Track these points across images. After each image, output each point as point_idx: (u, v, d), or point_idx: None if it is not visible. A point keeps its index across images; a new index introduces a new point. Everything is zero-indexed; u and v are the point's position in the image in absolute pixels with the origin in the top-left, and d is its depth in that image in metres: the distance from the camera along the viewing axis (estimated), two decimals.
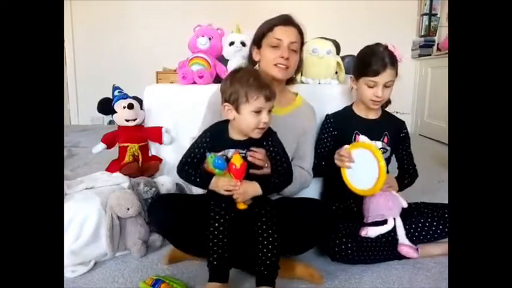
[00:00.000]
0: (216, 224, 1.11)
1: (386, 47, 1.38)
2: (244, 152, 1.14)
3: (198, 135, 1.24)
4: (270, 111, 1.12)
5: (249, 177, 1.13)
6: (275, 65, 1.32)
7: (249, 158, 1.13)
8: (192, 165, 1.18)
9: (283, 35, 1.31)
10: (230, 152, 1.15)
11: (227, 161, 1.13)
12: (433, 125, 3.92)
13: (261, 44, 1.35)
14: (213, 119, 1.28)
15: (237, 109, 1.11)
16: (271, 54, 1.32)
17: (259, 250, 1.10)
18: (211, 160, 1.10)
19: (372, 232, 1.32)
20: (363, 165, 1.29)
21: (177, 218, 1.22)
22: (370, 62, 1.36)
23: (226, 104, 1.13)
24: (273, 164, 1.17)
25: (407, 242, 1.34)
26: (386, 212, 1.33)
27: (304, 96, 1.49)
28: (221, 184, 1.11)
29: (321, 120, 1.53)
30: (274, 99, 1.12)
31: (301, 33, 1.36)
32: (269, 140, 1.16)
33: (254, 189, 1.13)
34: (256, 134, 1.13)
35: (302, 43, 1.39)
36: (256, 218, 1.13)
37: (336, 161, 1.35)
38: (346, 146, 1.35)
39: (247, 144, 1.15)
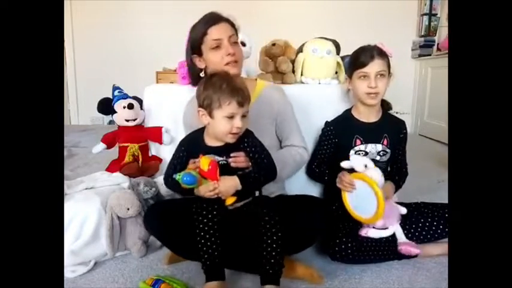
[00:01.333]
0: (202, 224, 1.13)
1: (375, 45, 1.42)
2: (223, 158, 1.16)
3: None
4: (244, 116, 1.12)
5: (229, 172, 1.15)
6: (225, 64, 1.29)
7: (233, 164, 1.15)
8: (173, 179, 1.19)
9: (219, 33, 1.29)
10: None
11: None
12: (433, 125, 3.92)
13: (201, 50, 1.33)
14: (187, 132, 1.31)
15: (210, 114, 1.12)
16: (216, 56, 1.30)
17: (263, 249, 1.10)
18: (180, 180, 1.10)
19: (372, 233, 1.33)
20: (363, 196, 1.30)
21: (171, 226, 1.22)
22: (359, 56, 1.40)
23: (200, 109, 1.14)
24: (253, 162, 1.18)
25: (406, 241, 1.35)
26: (387, 223, 1.34)
27: (302, 96, 1.49)
28: (202, 192, 1.13)
29: (321, 122, 1.52)
30: (247, 104, 1.12)
31: (233, 25, 1.34)
32: (245, 141, 1.18)
33: (233, 183, 1.14)
34: (230, 139, 1.14)
35: (237, 32, 1.36)
36: (258, 217, 1.13)
37: (338, 184, 1.36)
38: (352, 154, 1.39)
39: (224, 150, 1.16)
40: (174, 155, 1.24)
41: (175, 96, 1.72)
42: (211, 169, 1.10)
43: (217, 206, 1.15)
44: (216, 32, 1.29)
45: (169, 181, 1.21)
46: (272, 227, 1.11)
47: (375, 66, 1.37)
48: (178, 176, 1.11)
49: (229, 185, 1.13)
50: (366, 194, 1.28)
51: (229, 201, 1.15)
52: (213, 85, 1.11)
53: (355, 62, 1.41)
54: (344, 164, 1.35)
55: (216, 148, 1.17)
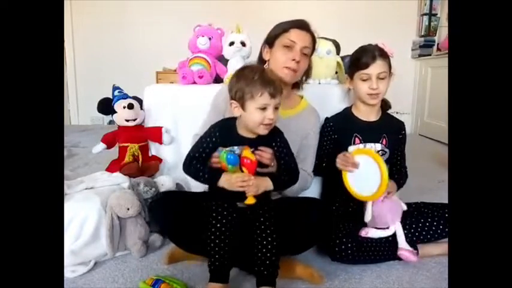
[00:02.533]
0: (218, 225, 1.11)
1: (376, 45, 1.42)
2: (252, 150, 1.14)
3: (201, 132, 1.23)
4: (276, 108, 1.11)
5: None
6: (285, 67, 1.32)
7: (257, 157, 1.13)
8: (200, 160, 1.17)
9: (298, 37, 1.32)
10: (237, 150, 1.14)
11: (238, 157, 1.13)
12: (433, 125, 3.92)
13: (274, 43, 1.35)
14: (217, 119, 1.28)
15: (242, 106, 1.11)
16: (282, 56, 1.32)
17: (258, 250, 1.10)
18: (224, 156, 1.10)
19: (372, 233, 1.33)
20: (365, 172, 1.29)
21: (178, 217, 1.22)
22: (360, 56, 1.40)
23: (232, 101, 1.14)
24: (281, 164, 1.18)
25: (407, 246, 1.34)
26: (389, 220, 1.33)
27: (306, 98, 1.49)
28: (234, 180, 1.09)
29: (321, 123, 1.53)
30: (279, 95, 1.11)
31: (314, 40, 1.37)
32: (277, 140, 1.17)
33: (266, 183, 1.13)
34: (262, 131, 1.13)
35: (313, 50, 1.40)
36: (254, 217, 1.13)
37: (338, 165, 1.35)
38: (351, 150, 1.36)
39: (255, 142, 1.15)
40: (202, 137, 1.19)
41: (175, 96, 1.73)
42: (253, 162, 1.10)
43: (233, 208, 1.14)
44: (295, 35, 1.32)
45: (193, 164, 1.16)
46: (266, 228, 1.11)
47: (376, 68, 1.37)
48: (224, 151, 1.11)
49: (262, 184, 1.12)
50: (368, 168, 1.27)
51: (250, 201, 1.11)
52: (245, 77, 1.10)
53: (357, 62, 1.41)
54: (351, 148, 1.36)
55: (249, 139, 1.16)
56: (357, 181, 1.32)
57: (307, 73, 1.44)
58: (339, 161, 1.35)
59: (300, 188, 1.37)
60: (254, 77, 1.09)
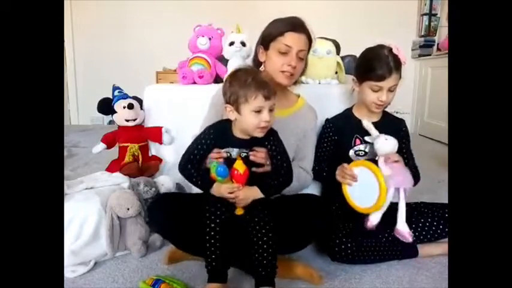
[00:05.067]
0: (212, 225, 1.12)
1: (390, 50, 1.35)
2: (247, 151, 1.15)
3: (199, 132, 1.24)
4: (271, 110, 1.12)
5: (247, 164, 1.15)
6: (281, 71, 1.31)
7: (251, 158, 1.15)
8: (194, 163, 1.18)
9: (293, 42, 1.29)
10: (234, 151, 1.16)
11: (230, 160, 1.14)
12: (433, 125, 3.92)
13: (269, 46, 1.33)
14: (216, 119, 1.29)
15: (237, 110, 1.11)
16: (278, 61, 1.30)
17: (255, 251, 1.10)
18: (214, 168, 1.11)
19: (374, 218, 1.29)
20: (364, 184, 1.29)
21: (176, 219, 1.22)
22: (374, 66, 1.34)
23: (227, 105, 1.13)
24: (273, 164, 1.17)
25: (404, 227, 1.28)
26: (400, 181, 1.26)
27: (305, 97, 1.49)
28: (223, 190, 1.13)
29: (321, 123, 1.52)
30: (274, 97, 1.11)
31: (310, 39, 1.35)
32: (270, 139, 1.17)
33: (254, 194, 1.14)
34: (258, 133, 1.13)
35: (309, 49, 1.38)
36: (251, 218, 1.13)
37: (338, 177, 1.35)
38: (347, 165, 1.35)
39: (250, 143, 1.16)
40: (198, 139, 1.20)
41: (175, 96, 1.73)
42: (243, 174, 1.11)
43: (227, 208, 1.14)
44: (291, 39, 1.29)
45: (187, 168, 1.17)
46: (262, 228, 1.10)
47: (390, 82, 1.33)
48: (213, 165, 1.11)
49: (250, 195, 1.14)
50: (367, 180, 1.26)
51: (239, 212, 1.15)
52: (238, 80, 1.10)
53: (370, 72, 1.35)
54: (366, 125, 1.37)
55: (243, 140, 1.16)
56: (357, 193, 1.32)
57: (303, 71, 1.43)
58: (338, 173, 1.35)
59: (300, 186, 1.37)
60: (247, 80, 1.08)
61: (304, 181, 1.39)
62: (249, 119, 1.10)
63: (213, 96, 1.47)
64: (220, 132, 1.19)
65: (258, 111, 1.09)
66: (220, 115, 1.35)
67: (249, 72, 1.13)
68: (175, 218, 1.22)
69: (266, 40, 1.34)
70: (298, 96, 1.48)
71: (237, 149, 1.16)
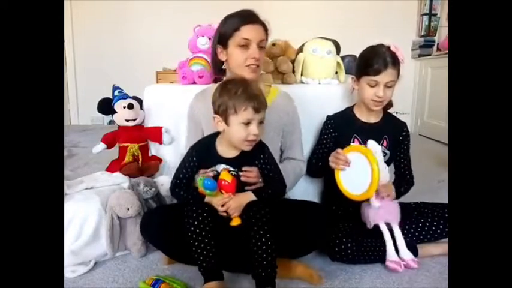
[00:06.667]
0: (193, 226, 1.09)
1: (388, 48, 1.37)
2: (235, 170, 1.15)
3: (185, 150, 1.24)
4: (261, 123, 1.11)
5: (241, 190, 1.15)
6: (246, 66, 1.28)
7: (243, 179, 1.14)
8: (182, 186, 1.19)
9: (251, 34, 1.27)
10: (220, 167, 1.16)
11: (217, 178, 1.13)
12: (433, 125, 3.92)
13: (227, 44, 1.30)
14: (197, 129, 1.30)
15: (226, 121, 1.10)
16: (241, 55, 1.28)
17: (254, 252, 1.09)
18: (201, 182, 1.11)
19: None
20: (357, 170, 1.28)
21: (167, 234, 1.21)
22: (371, 61, 1.35)
23: (215, 115, 1.13)
24: (265, 181, 1.18)
25: (395, 257, 1.30)
26: (388, 217, 1.32)
27: (302, 96, 1.48)
28: (215, 204, 1.12)
29: (321, 122, 1.52)
30: (264, 110, 1.11)
31: (266, 29, 1.32)
32: (261, 157, 1.17)
33: (247, 198, 1.14)
34: (245, 147, 1.13)
35: (267, 38, 1.35)
36: (249, 221, 1.12)
37: (331, 163, 1.34)
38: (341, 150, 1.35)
39: (238, 161, 1.15)
40: (183, 162, 1.21)
41: (175, 96, 1.73)
42: (231, 183, 1.11)
43: (208, 207, 1.13)
44: (248, 32, 1.27)
45: (176, 192, 1.20)
46: (259, 229, 1.10)
47: (386, 77, 1.34)
48: (199, 179, 1.11)
49: (243, 200, 1.13)
50: (360, 165, 1.26)
51: (235, 222, 1.13)
52: (228, 91, 1.09)
53: (367, 66, 1.36)
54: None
55: (229, 160, 1.15)
56: (349, 179, 1.31)
57: (306, 72, 1.44)
58: (331, 159, 1.34)
59: (295, 178, 1.37)
60: (237, 91, 1.08)
61: (299, 171, 1.39)
62: (237, 131, 1.09)
63: (189, 107, 1.45)
64: (203, 151, 1.19)
65: (247, 124, 1.08)
66: (200, 128, 1.35)
67: (240, 83, 1.12)
68: (166, 234, 1.21)
69: (223, 38, 1.31)
70: (270, 86, 1.46)
71: (223, 165, 1.15)
